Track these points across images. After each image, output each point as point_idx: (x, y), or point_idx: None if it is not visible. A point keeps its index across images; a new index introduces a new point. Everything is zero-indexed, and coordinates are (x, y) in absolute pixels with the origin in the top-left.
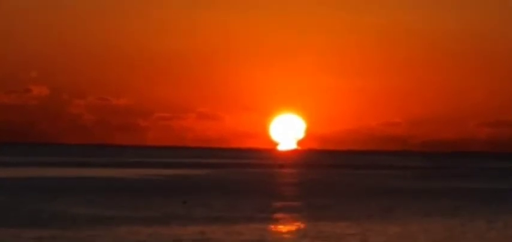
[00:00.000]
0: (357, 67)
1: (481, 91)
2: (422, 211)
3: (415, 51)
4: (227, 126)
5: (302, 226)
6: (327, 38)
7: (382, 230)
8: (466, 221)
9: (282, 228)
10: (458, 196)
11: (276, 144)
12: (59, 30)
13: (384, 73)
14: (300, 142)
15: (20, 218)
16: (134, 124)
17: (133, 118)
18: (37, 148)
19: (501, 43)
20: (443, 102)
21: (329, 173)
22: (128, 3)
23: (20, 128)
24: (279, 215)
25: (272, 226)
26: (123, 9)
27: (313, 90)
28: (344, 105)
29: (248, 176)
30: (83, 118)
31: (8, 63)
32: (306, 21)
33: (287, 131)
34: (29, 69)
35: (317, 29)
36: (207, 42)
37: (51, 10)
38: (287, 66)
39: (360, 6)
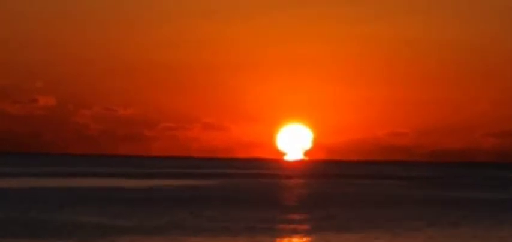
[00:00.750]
0: (363, 77)
1: (486, 101)
2: (428, 221)
3: (422, 62)
4: (233, 136)
5: (308, 237)
6: (334, 48)
7: (390, 240)
8: (471, 230)
9: (288, 240)
10: (464, 206)
11: (282, 154)
12: (65, 40)
13: (390, 84)
14: (307, 153)
15: (26, 229)
16: (140, 134)
17: (139, 129)
18: (43, 158)
19: (506, 54)
20: (450, 112)
21: (336, 183)
22: (134, 14)
23: (25, 138)
24: (285, 226)
25: (278, 238)
26: (129, 20)
27: (320, 100)
28: (351, 115)
29: (255, 186)
30: (89, 128)
31: (13, 73)
32: (313, 32)
33: (294, 141)
34: (34, 79)
35: (324, 40)
36: (213, 53)
37: (57, 20)
38: (294, 76)
39: (367, 18)
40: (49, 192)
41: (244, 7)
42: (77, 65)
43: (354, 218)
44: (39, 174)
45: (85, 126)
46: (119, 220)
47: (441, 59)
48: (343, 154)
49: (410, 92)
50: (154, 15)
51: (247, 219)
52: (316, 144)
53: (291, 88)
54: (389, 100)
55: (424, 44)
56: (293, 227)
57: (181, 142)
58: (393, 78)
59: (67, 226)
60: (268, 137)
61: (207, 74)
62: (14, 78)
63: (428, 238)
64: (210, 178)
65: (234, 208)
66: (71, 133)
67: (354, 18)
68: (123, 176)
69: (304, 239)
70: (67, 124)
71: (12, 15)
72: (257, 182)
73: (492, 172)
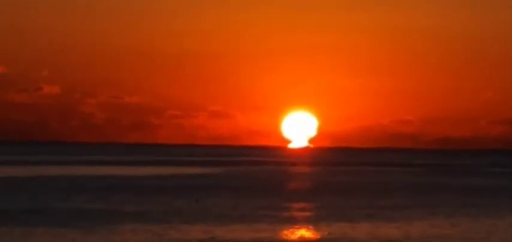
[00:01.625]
0: (368, 66)
1: (492, 89)
2: (431, 207)
3: (427, 50)
4: (239, 124)
5: (313, 224)
6: (338, 37)
7: (395, 227)
8: (475, 217)
9: (293, 227)
10: (468, 192)
11: (288, 142)
12: (71, 29)
13: (395, 72)
14: (312, 140)
15: (33, 217)
16: (146, 122)
17: (145, 117)
18: (49, 146)
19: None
20: (455, 100)
21: (340, 171)
22: (141, 3)
23: (31, 127)
24: (290, 214)
25: (283, 225)
26: (135, 9)
27: (325, 88)
28: (356, 103)
29: (260, 174)
30: (95, 116)
31: (19, 62)
32: (318, 20)
33: (299, 129)
34: (40, 68)
35: (329, 29)
36: (219, 42)
37: (62, 9)
38: (299, 64)
39: (372, 6)
40: (55, 180)
41: None
42: (82, 54)
43: (357, 206)
44: (46, 163)
45: (91, 114)
46: (125, 207)
47: (447, 47)
48: (348, 142)
49: (416, 80)
50: (161, 5)
51: (251, 206)
52: (321, 131)
53: (296, 76)
54: (394, 88)
55: (430, 33)
56: (296, 214)
57: (188, 130)
58: (398, 67)
59: (73, 214)
60: (274, 125)
61: (213, 63)
62: (20, 66)
63: (431, 226)
64: (215, 166)
65: (238, 195)
66: (77, 122)
67: (360, 7)
68: (129, 164)
69: (307, 226)
70: (73, 112)
71: (17, 4)
72: (262, 170)
73: (498, 159)
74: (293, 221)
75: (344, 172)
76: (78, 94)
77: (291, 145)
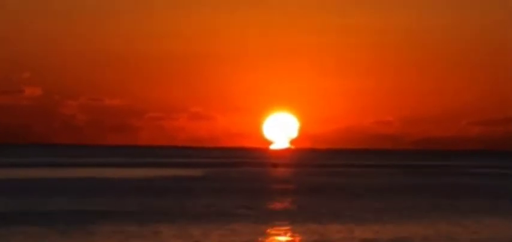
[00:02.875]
0: (349, 67)
1: (472, 90)
2: (414, 208)
3: (407, 51)
4: (219, 125)
5: (292, 226)
6: (319, 38)
7: (375, 230)
8: (454, 218)
9: (272, 228)
10: (450, 193)
11: (269, 143)
12: (52, 31)
13: (376, 73)
14: (293, 141)
15: (14, 218)
16: (127, 124)
17: (125, 119)
18: (30, 148)
19: (493, 43)
20: (435, 101)
21: (322, 172)
22: (120, 5)
23: (12, 129)
24: (269, 214)
25: (263, 226)
26: (115, 10)
27: (306, 89)
28: (337, 104)
29: (241, 175)
30: (76, 118)
31: (0, 64)
32: (298, 22)
33: (280, 130)
34: (21, 70)
35: (309, 30)
36: (200, 44)
37: (43, 11)
38: (280, 66)
39: (352, 8)
40: (36, 183)
41: None
42: (63, 56)
43: (341, 208)
44: (26, 165)
45: (72, 116)
46: (105, 209)
47: (427, 48)
48: (329, 143)
49: (396, 81)
50: (140, 7)
51: (230, 207)
52: (302, 132)
53: (277, 78)
54: (375, 89)
55: (411, 35)
56: (277, 215)
57: (168, 131)
58: (379, 68)
59: (54, 216)
60: (255, 126)
61: (193, 64)
62: (1, 69)
63: (416, 225)
64: (195, 168)
65: (218, 196)
66: (58, 123)
67: (339, 8)
68: (110, 166)
69: (289, 228)
70: (54, 114)
71: None
72: (242, 171)
73: (478, 160)
74: (272, 221)
75: (323, 173)
76: (59, 96)
77: (272, 147)
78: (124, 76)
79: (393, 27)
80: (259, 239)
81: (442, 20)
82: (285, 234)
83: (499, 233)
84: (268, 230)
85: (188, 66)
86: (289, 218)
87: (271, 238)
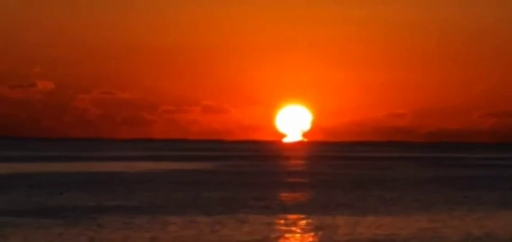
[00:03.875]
0: (362, 59)
1: (485, 82)
2: (427, 201)
3: (420, 43)
4: (233, 118)
5: (306, 218)
6: (333, 30)
7: (388, 222)
8: (470, 210)
9: (283, 219)
10: (461, 185)
11: (282, 136)
12: (63, 25)
13: (389, 66)
14: (305, 134)
15: (26, 213)
16: (139, 117)
17: (138, 112)
18: (42, 142)
19: (505, 34)
20: (448, 93)
21: (334, 164)
22: None
23: (25, 123)
24: (280, 206)
25: (274, 217)
26: (128, 4)
27: (319, 82)
28: (350, 97)
29: (254, 168)
30: (88, 112)
31: (12, 58)
32: (311, 14)
33: (293, 123)
34: (33, 64)
35: (323, 22)
36: (212, 36)
37: (55, 5)
38: (292, 58)
39: (365, 0)
40: (48, 177)
41: None
42: (75, 49)
43: (348, 199)
44: (39, 159)
45: (84, 110)
46: (118, 203)
47: (440, 40)
48: (342, 136)
49: (409, 74)
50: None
51: (241, 199)
52: (315, 125)
53: (290, 70)
54: (388, 82)
55: (423, 26)
56: (291, 208)
57: (181, 125)
58: (392, 60)
59: (66, 210)
60: (268, 119)
61: (206, 57)
62: (13, 62)
63: (429, 218)
64: (210, 161)
65: (229, 189)
66: (70, 117)
67: (353, 1)
68: (122, 159)
69: (303, 220)
70: (66, 108)
71: (10, 1)
72: (256, 164)
73: (491, 152)
74: (286, 214)
75: (335, 165)
76: (71, 90)
77: (285, 140)
78: (136, 69)
79: (406, 20)
80: (270, 230)
81: (454, 12)
82: (295, 225)
83: (510, 225)
84: (279, 222)
85: (200, 59)
86: (300, 210)
87: (282, 228)
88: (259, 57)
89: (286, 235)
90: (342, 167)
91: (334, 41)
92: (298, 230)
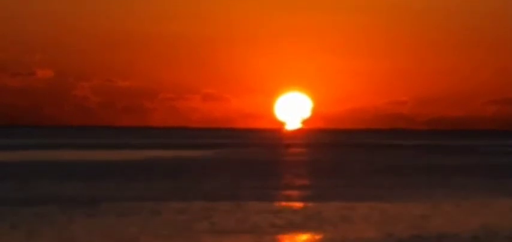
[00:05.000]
0: (362, 46)
1: (487, 69)
2: (428, 188)
3: (421, 30)
4: (233, 106)
5: (306, 206)
6: (332, 17)
7: (388, 209)
8: (471, 198)
9: (287, 208)
10: (463, 172)
11: (282, 124)
12: (63, 12)
13: (389, 53)
14: (305, 122)
15: (25, 201)
16: (140, 105)
17: (138, 100)
18: (43, 130)
19: (508, 21)
20: (450, 80)
21: (335, 152)
22: None
23: (25, 111)
24: (284, 194)
25: (272, 204)
26: None
27: (319, 69)
28: (350, 84)
29: (254, 156)
30: (88, 100)
31: (12, 46)
32: (311, 1)
33: (293, 110)
34: (33, 52)
35: (322, 9)
36: (212, 25)
37: None
38: (292, 46)
39: None
40: (48, 165)
41: None
42: (75, 37)
43: (354, 187)
44: (39, 146)
45: (84, 98)
46: (118, 191)
47: (442, 27)
48: (342, 123)
49: (410, 61)
50: None
51: (239, 186)
52: (315, 112)
53: (290, 58)
54: (389, 68)
55: (425, 13)
56: (291, 195)
57: (181, 113)
58: (393, 47)
59: (65, 198)
60: (268, 107)
61: (206, 45)
62: (13, 50)
63: (432, 205)
64: (210, 148)
65: (233, 176)
66: (70, 105)
67: None
68: (123, 147)
69: (303, 208)
70: (66, 96)
71: None
72: (256, 151)
73: (494, 139)
74: (286, 202)
75: (338, 153)
76: (71, 78)
77: (285, 127)
78: (136, 57)
79: (407, 6)
80: (267, 217)
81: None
82: (292, 213)
83: (509, 212)
84: (277, 208)
85: (200, 47)
86: (298, 198)
87: (279, 215)
88: (259, 45)
89: (284, 223)
90: (340, 154)
91: (335, 28)
92: (293, 217)
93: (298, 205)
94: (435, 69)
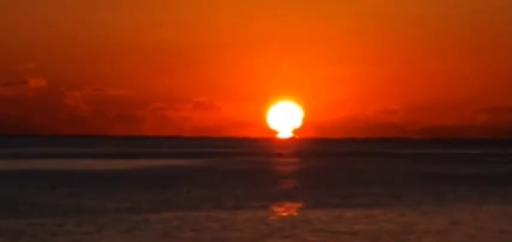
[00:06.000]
0: (353, 55)
1: (478, 78)
2: (418, 197)
3: (412, 39)
4: (224, 115)
5: (296, 215)
6: (323, 25)
7: (378, 218)
8: (460, 205)
9: (276, 217)
10: (453, 181)
11: (273, 133)
12: (55, 21)
13: (381, 61)
14: (297, 131)
15: (16, 210)
16: (131, 114)
17: (130, 109)
18: (34, 139)
19: (499, 30)
20: (441, 89)
21: (326, 161)
22: None
23: (17, 120)
24: (274, 203)
25: (267, 215)
26: (118, 1)
27: (311, 77)
28: (341, 93)
29: (246, 165)
30: (80, 109)
31: (4, 55)
32: (303, 9)
33: (284, 119)
34: (25, 61)
35: (314, 17)
36: (202, 33)
37: (46, 2)
38: (283, 54)
39: None
40: (40, 174)
41: None
42: (67, 47)
43: (343, 196)
44: (30, 156)
45: (76, 107)
46: (109, 200)
47: (433, 36)
48: (333, 132)
49: (402, 69)
50: None
51: (238, 197)
52: (307, 121)
53: (280, 66)
54: (380, 77)
55: (416, 22)
56: (282, 204)
57: (173, 122)
58: (384, 56)
59: (57, 207)
60: (259, 115)
61: (197, 54)
62: (5, 59)
63: (422, 213)
64: (202, 157)
65: (225, 186)
66: (62, 114)
67: None
68: (114, 156)
69: (292, 217)
70: (58, 105)
71: None
72: (248, 161)
73: (484, 148)
74: (276, 210)
75: (328, 162)
76: (63, 88)
77: (276, 136)
78: (127, 67)
79: (399, 15)
80: (259, 225)
81: (448, 7)
82: (284, 221)
83: (500, 219)
84: (269, 217)
85: (191, 56)
86: (290, 206)
87: (271, 225)
88: (250, 53)
89: (271, 231)
90: (330, 163)
91: (326, 36)
92: (285, 225)
93: (286, 213)
94: (426, 78)
